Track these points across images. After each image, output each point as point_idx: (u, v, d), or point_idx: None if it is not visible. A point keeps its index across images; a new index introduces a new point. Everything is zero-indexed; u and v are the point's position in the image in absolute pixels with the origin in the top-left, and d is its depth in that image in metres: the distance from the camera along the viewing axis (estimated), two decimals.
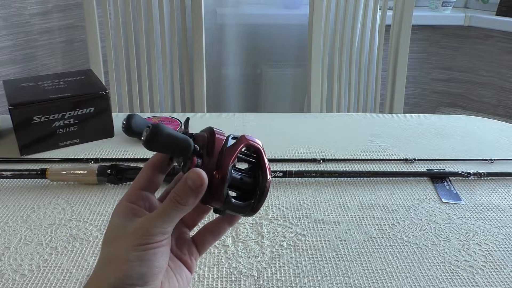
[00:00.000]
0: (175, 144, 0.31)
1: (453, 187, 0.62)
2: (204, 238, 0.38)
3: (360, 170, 0.67)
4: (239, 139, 0.34)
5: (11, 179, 0.61)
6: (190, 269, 0.36)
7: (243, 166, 0.37)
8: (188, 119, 0.43)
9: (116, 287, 0.29)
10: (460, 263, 0.48)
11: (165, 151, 0.33)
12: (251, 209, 0.34)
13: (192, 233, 0.39)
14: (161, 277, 0.32)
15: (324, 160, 0.68)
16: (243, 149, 0.34)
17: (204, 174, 0.31)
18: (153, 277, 0.31)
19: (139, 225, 0.31)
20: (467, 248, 0.50)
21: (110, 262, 0.31)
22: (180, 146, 0.31)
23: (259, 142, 0.35)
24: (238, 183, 0.34)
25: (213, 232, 0.37)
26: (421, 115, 0.88)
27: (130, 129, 0.31)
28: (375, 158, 0.70)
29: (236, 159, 0.33)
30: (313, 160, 0.68)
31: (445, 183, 0.63)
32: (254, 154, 0.36)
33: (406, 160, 0.69)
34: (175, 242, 0.37)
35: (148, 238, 0.30)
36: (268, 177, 0.34)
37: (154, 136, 0.30)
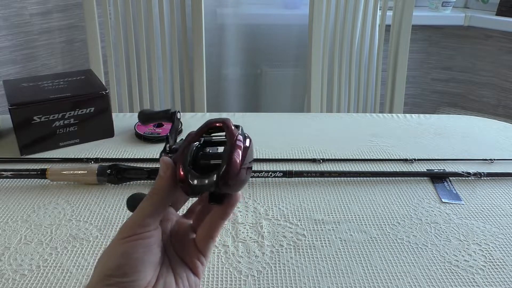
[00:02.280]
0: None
1: (453, 187, 0.62)
2: (202, 239, 0.37)
3: (360, 170, 0.67)
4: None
5: (11, 179, 0.61)
6: (197, 273, 0.36)
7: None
8: (175, 112, 0.43)
9: (100, 279, 0.30)
10: (460, 263, 0.48)
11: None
12: (219, 179, 0.31)
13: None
14: (146, 272, 0.32)
15: (324, 160, 0.68)
16: (212, 134, 0.35)
17: (167, 158, 0.33)
18: (132, 269, 0.31)
19: (125, 222, 0.33)
20: (467, 248, 0.50)
21: (102, 257, 0.32)
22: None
23: (229, 124, 0.34)
24: (205, 161, 0.33)
25: (208, 231, 0.36)
26: (421, 115, 0.88)
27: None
28: (375, 158, 0.70)
29: (202, 141, 0.34)
30: (313, 160, 0.68)
31: (445, 183, 0.63)
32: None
33: (406, 160, 0.69)
34: (179, 244, 0.36)
35: (128, 232, 0.32)
36: (235, 143, 0.32)
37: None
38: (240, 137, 0.33)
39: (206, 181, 0.31)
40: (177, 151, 0.35)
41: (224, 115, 0.86)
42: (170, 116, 0.39)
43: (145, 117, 0.39)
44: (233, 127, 0.33)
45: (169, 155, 0.35)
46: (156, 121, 0.38)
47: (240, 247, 0.49)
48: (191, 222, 0.39)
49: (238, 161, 0.31)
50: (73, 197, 0.58)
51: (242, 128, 0.34)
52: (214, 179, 0.31)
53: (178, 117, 0.39)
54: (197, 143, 0.34)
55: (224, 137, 0.34)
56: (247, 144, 0.33)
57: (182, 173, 0.32)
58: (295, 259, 0.48)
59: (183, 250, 0.36)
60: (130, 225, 0.33)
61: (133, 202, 0.37)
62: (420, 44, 1.87)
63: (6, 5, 1.33)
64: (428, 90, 1.97)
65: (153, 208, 0.33)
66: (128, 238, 0.32)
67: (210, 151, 0.35)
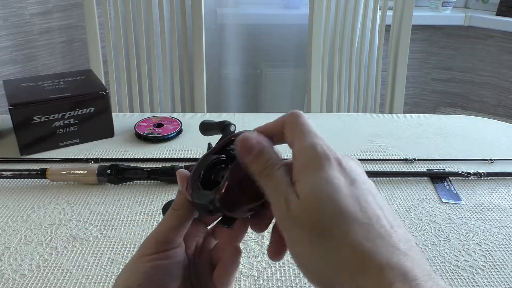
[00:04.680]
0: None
1: (453, 187, 0.62)
2: (219, 282, 0.33)
3: None
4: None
5: (11, 179, 0.61)
6: None
7: None
8: (229, 124, 0.39)
9: None
10: (460, 263, 0.48)
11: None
12: (215, 196, 0.28)
13: None
14: None
15: None
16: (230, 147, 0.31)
17: (184, 171, 0.31)
18: None
19: (147, 238, 0.31)
20: (467, 248, 0.50)
21: (124, 270, 0.31)
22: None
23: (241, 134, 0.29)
24: (217, 176, 0.31)
25: (223, 277, 0.32)
26: (421, 115, 0.88)
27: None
28: (375, 158, 0.70)
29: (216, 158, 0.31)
30: None
31: (445, 183, 0.63)
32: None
33: (406, 160, 0.69)
34: (201, 268, 0.33)
35: (149, 249, 0.30)
36: (238, 163, 0.28)
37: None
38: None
39: (204, 198, 0.29)
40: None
41: (224, 115, 0.86)
42: (223, 128, 0.36)
43: (206, 126, 0.38)
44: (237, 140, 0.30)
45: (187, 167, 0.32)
46: (213, 133, 0.37)
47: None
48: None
49: (237, 180, 0.28)
50: (73, 197, 0.58)
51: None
52: (212, 197, 0.28)
53: (232, 129, 0.36)
54: (216, 156, 0.31)
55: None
56: None
57: (189, 187, 0.30)
58: None
59: (206, 283, 0.33)
60: (152, 241, 0.30)
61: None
62: (420, 44, 1.87)
63: (6, 5, 1.33)
64: (428, 90, 1.97)
65: (175, 223, 0.31)
66: (150, 256, 0.30)
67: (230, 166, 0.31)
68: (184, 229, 0.31)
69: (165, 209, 0.35)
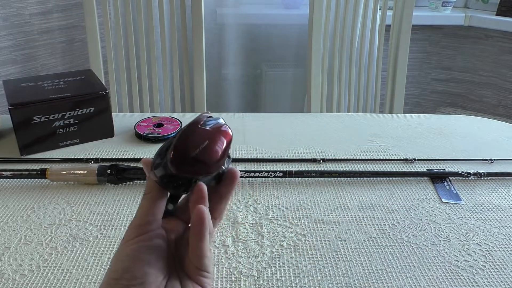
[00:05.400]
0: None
1: (453, 187, 0.62)
2: (194, 258, 0.34)
3: (360, 170, 0.67)
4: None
5: (11, 179, 0.61)
6: (202, 285, 0.34)
7: None
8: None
9: (110, 284, 0.30)
10: (460, 263, 0.48)
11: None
12: (168, 156, 0.31)
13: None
14: (154, 275, 0.31)
15: (324, 160, 0.68)
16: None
17: (145, 159, 0.34)
18: (141, 271, 0.30)
19: (128, 226, 0.34)
20: (467, 248, 0.50)
21: (111, 262, 0.33)
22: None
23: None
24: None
25: (195, 250, 0.33)
26: (421, 115, 0.88)
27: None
28: (375, 158, 0.70)
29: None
30: (313, 160, 0.68)
31: (445, 183, 0.63)
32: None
33: (406, 160, 0.69)
34: (181, 258, 0.35)
35: (130, 234, 0.33)
36: (192, 124, 0.33)
37: None
38: (200, 120, 0.33)
39: (162, 168, 0.32)
40: None
41: (224, 115, 0.86)
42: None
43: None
44: (207, 116, 0.34)
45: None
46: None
47: (240, 247, 0.49)
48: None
49: (190, 138, 0.31)
50: (73, 197, 0.58)
51: (220, 118, 0.35)
52: (165, 161, 0.31)
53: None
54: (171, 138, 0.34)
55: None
56: (207, 127, 0.33)
57: (151, 169, 0.33)
58: (295, 259, 0.48)
59: (184, 266, 0.34)
60: (131, 227, 0.33)
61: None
62: (420, 44, 1.87)
63: (6, 5, 1.33)
64: (428, 90, 1.97)
65: (148, 205, 0.34)
66: (132, 240, 0.32)
67: None
68: (158, 210, 0.34)
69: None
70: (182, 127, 0.32)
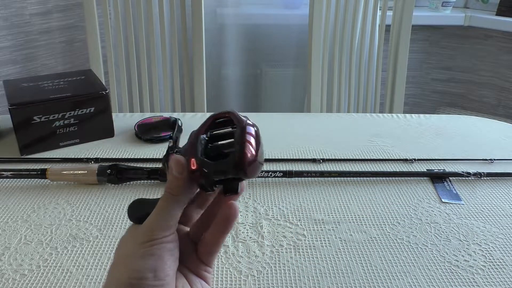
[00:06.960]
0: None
1: (453, 187, 0.62)
2: (205, 253, 0.35)
3: (360, 170, 0.67)
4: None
5: (11, 179, 0.61)
6: (207, 282, 0.35)
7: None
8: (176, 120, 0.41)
9: (132, 284, 0.29)
10: (460, 263, 0.48)
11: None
12: (236, 160, 0.30)
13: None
14: (173, 277, 0.31)
15: (324, 160, 0.68)
16: (220, 126, 0.34)
17: (180, 157, 0.32)
18: (164, 272, 0.30)
19: (144, 225, 0.32)
20: (467, 248, 0.50)
21: (122, 262, 0.31)
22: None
23: (235, 113, 0.33)
24: (216, 151, 0.33)
25: (211, 247, 0.34)
26: (421, 115, 0.88)
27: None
28: (375, 158, 0.70)
29: (208, 135, 0.33)
30: (313, 160, 0.68)
31: (445, 183, 0.63)
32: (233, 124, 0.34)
33: (406, 160, 0.69)
34: (182, 254, 0.35)
35: (152, 234, 0.31)
36: (246, 127, 0.31)
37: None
38: (250, 122, 0.32)
39: (223, 165, 0.30)
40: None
41: None
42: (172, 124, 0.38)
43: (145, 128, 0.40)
44: (240, 115, 0.32)
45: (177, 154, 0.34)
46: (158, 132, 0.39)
47: (240, 247, 0.49)
48: (187, 229, 0.36)
49: (253, 142, 0.30)
50: (73, 197, 0.58)
51: (248, 118, 0.33)
52: (230, 162, 0.30)
53: (180, 124, 0.38)
54: (204, 136, 0.33)
55: (230, 129, 0.33)
56: (256, 129, 0.32)
57: (195, 163, 0.31)
58: (295, 259, 0.48)
59: (187, 261, 0.34)
60: (151, 228, 0.31)
61: (136, 210, 0.35)
62: (420, 44, 1.87)
63: (6, 5, 1.33)
64: (428, 90, 1.97)
65: (178, 207, 0.32)
66: (151, 242, 0.30)
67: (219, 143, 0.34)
68: (179, 216, 0.33)
69: (132, 209, 0.35)
70: (236, 128, 0.31)
